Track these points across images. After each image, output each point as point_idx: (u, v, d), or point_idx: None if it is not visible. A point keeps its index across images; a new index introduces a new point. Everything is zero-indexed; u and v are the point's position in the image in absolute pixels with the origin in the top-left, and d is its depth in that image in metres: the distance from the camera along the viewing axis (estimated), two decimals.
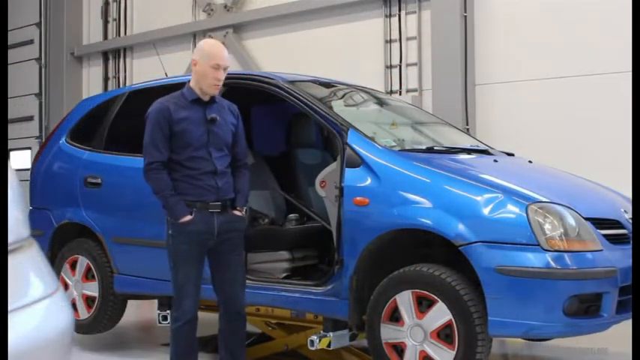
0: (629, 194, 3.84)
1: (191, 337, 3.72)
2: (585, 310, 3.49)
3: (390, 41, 8.38)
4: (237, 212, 3.78)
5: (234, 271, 3.81)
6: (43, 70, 11.89)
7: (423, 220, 3.69)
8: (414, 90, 8.16)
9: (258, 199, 4.86)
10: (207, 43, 3.84)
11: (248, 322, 5.29)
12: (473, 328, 3.51)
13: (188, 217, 3.63)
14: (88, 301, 5.11)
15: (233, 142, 3.83)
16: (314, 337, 4.02)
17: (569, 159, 6.49)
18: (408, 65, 8.27)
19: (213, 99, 3.78)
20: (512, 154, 4.80)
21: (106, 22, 11.45)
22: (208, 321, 4.74)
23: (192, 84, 3.77)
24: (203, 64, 3.70)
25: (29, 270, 1.82)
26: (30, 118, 12.02)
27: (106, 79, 11.39)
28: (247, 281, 4.17)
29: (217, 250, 3.76)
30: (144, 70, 10.40)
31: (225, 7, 9.86)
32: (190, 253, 3.67)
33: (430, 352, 3.63)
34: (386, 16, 8.41)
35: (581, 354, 4.99)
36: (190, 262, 3.68)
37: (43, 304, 1.76)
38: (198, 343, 3.80)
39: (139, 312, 6.63)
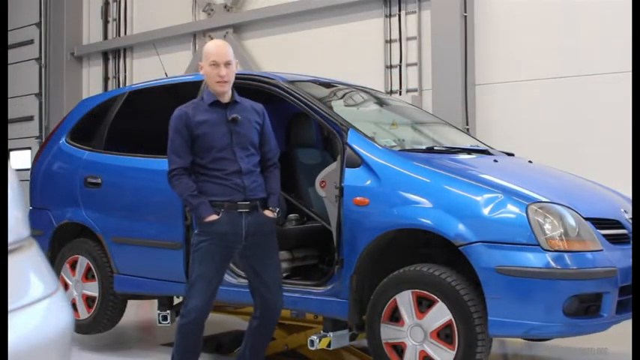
0: (629, 194, 3.84)
1: (195, 337, 3.69)
2: (585, 310, 3.49)
3: (390, 41, 8.39)
4: (268, 212, 3.74)
5: (269, 273, 3.76)
6: (43, 70, 11.88)
7: (423, 220, 3.69)
8: (414, 90, 8.16)
9: None
10: (206, 45, 3.86)
11: (247, 322, 5.31)
12: (473, 328, 3.51)
13: (214, 217, 3.61)
14: (88, 301, 5.11)
15: (261, 141, 3.81)
16: (314, 337, 4.02)
17: (569, 159, 6.49)
18: (408, 65, 8.27)
19: (234, 100, 3.78)
20: (512, 154, 4.80)
21: (106, 22, 11.45)
22: (208, 321, 4.74)
23: (209, 87, 3.80)
24: (204, 65, 3.73)
25: (29, 270, 1.82)
26: (30, 118, 12.02)
27: (106, 79, 11.39)
28: (246, 281, 4.19)
29: (249, 254, 3.73)
30: (144, 70, 10.40)
31: (225, 7, 9.86)
32: (209, 252, 3.64)
33: (430, 352, 3.63)
34: (386, 16, 8.41)
35: (581, 354, 4.99)
36: (207, 261, 3.64)
37: (43, 304, 1.76)
38: (202, 344, 3.78)
39: (139, 312, 6.63)
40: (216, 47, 3.76)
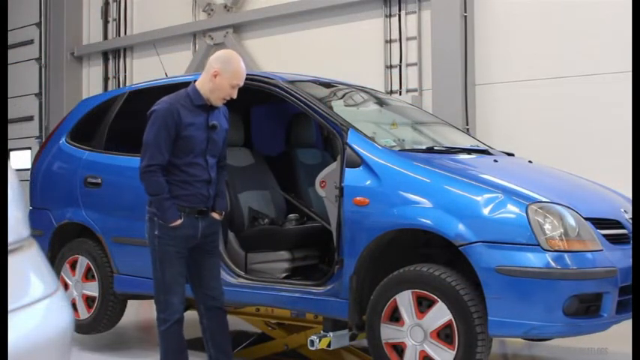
0: (629, 194, 3.84)
1: (181, 337, 3.75)
2: (585, 310, 3.49)
3: (390, 41, 8.38)
4: (216, 215, 3.83)
5: (212, 269, 3.87)
6: (43, 70, 11.88)
7: (423, 220, 3.69)
8: (414, 90, 8.16)
9: (258, 199, 4.86)
10: (234, 59, 3.72)
11: (247, 322, 5.31)
12: (473, 328, 3.51)
13: (179, 222, 3.65)
14: (88, 301, 5.11)
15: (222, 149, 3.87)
16: (314, 337, 4.02)
17: (569, 159, 6.49)
18: (408, 65, 8.27)
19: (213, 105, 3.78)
20: (512, 154, 4.80)
21: (106, 22, 11.44)
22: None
23: (200, 88, 3.72)
24: (224, 79, 3.65)
25: (29, 270, 1.82)
26: (30, 118, 12.02)
27: (106, 79, 11.38)
28: (247, 281, 4.18)
29: (197, 250, 3.80)
30: (144, 70, 10.39)
31: (225, 7, 9.86)
32: (177, 254, 3.70)
33: (430, 352, 3.63)
34: (386, 16, 8.41)
35: (581, 354, 4.99)
36: (177, 262, 3.71)
37: (43, 304, 1.76)
38: (186, 342, 3.81)
39: (139, 312, 6.63)
40: (244, 72, 3.72)
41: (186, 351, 3.81)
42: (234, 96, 3.71)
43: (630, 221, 3.85)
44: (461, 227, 3.55)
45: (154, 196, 3.68)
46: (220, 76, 3.66)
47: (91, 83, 11.51)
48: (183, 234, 3.69)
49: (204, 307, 3.87)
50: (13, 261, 1.72)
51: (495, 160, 4.38)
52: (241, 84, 3.71)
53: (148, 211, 3.76)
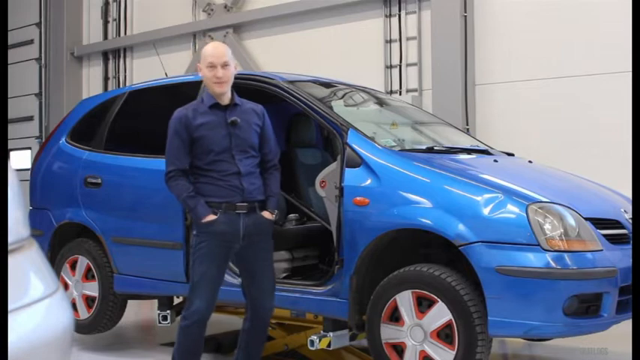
0: (629, 194, 3.84)
1: (197, 339, 3.68)
2: (585, 310, 3.49)
3: (390, 41, 8.38)
4: (266, 214, 3.74)
5: (261, 278, 3.76)
6: (43, 70, 11.88)
7: (423, 220, 3.69)
8: (414, 90, 8.16)
9: None
10: (204, 47, 3.84)
11: None
12: (473, 328, 3.51)
13: (211, 217, 3.61)
14: (88, 301, 5.11)
15: (260, 143, 3.80)
16: (314, 337, 4.02)
17: (569, 159, 6.49)
18: (408, 65, 8.27)
19: (234, 102, 3.76)
20: (512, 154, 4.80)
21: (106, 22, 11.45)
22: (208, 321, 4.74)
23: (207, 90, 3.79)
24: (202, 67, 3.72)
25: (29, 270, 1.82)
26: (30, 118, 12.02)
27: (106, 79, 11.39)
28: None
29: (245, 254, 3.72)
30: (144, 70, 10.40)
31: (225, 7, 9.86)
32: (210, 253, 3.63)
33: (430, 352, 3.63)
34: (386, 16, 8.41)
35: (581, 354, 4.98)
36: (209, 262, 3.64)
37: (43, 304, 1.76)
38: (203, 346, 3.77)
39: (138, 312, 6.63)
40: (213, 48, 3.74)
41: (201, 353, 3.75)
42: (220, 74, 3.65)
43: (630, 221, 3.85)
44: (461, 227, 3.56)
45: (179, 199, 3.70)
46: (200, 67, 3.74)
47: (91, 83, 11.51)
48: (219, 230, 3.61)
49: (250, 314, 3.79)
50: (13, 261, 1.72)
51: (495, 160, 4.38)
52: (216, 60, 3.65)
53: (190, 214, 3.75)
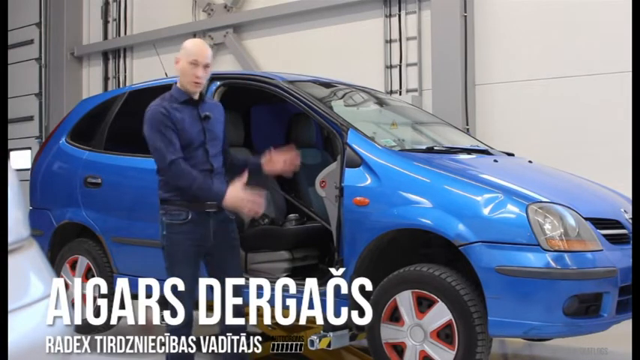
0: (629, 194, 3.84)
1: (186, 340, 3.69)
2: (585, 310, 3.49)
3: (390, 41, 8.38)
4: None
5: (231, 274, 3.73)
6: (43, 70, 11.88)
7: (423, 220, 3.69)
8: (414, 90, 8.16)
9: None
10: (189, 41, 3.79)
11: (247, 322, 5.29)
12: (473, 328, 3.51)
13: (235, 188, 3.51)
14: None
15: (223, 140, 3.79)
16: (314, 337, 4.02)
17: (569, 159, 6.49)
18: (408, 65, 8.27)
19: (202, 98, 3.74)
20: (512, 154, 4.80)
21: (106, 22, 11.44)
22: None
23: (178, 84, 3.72)
24: (183, 61, 3.65)
25: (29, 270, 1.82)
26: (30, 118, 12.02)
27: (106, 79, 11.38)
28: (247, 281, 4.15)
29: (214, 253, 3.71)
30: (144, 70, 10.39)
31: (225, 7, 9.85)
32: (185, 253, 3.62)
33: (430, 352, 3.63)
34: (386, 16, 8.41)
35: (581, 354, 4.98)
36: (185, 262, 3.62)
37: (43, 304, 1.76)
38: (194, 345, 3.76)
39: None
40: (198, 47, 3.68)
41: (192, 356, 3.69)
42: (200, 74, 3.60)
43: (630, 221, 3.85)
44: (461, 227, 3.56)
45: (194, 187, 3.52)
46: (180, 60, 3.67)
47: (91, 83, 11.50)
48: (191, 229, 3.56)
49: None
50: (13, 261, 1.72)
51: (495, 160, 4.38)
52: (200, 59, 3.61)
53: (159, 213, 3.66)
